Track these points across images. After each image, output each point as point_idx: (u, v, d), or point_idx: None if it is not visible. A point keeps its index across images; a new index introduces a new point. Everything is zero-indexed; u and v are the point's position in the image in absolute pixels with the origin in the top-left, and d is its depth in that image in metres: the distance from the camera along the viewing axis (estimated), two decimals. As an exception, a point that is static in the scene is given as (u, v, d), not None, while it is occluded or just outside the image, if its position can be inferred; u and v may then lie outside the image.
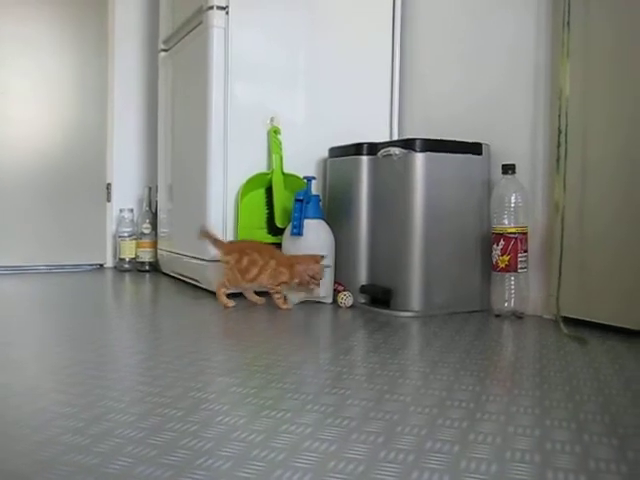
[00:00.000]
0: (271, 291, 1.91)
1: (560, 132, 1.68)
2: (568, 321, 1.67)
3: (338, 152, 2.09)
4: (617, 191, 1.60)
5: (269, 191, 2.12)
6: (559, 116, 1.68)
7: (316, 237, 1.97)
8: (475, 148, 1.89)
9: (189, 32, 2.34)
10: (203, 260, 2.17)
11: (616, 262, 1.60)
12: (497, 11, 2.01)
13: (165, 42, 2.66)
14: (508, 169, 1.80)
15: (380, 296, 1.90)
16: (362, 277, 1.97)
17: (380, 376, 1.19)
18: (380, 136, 2.23)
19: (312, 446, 0.84)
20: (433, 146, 1.84)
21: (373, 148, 1.95)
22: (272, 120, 2.14)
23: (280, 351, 1.38)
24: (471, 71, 2.10)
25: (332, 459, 0.79)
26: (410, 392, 1.09)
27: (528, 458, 0.81)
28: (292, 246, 1.98)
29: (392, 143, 1.90)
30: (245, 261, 1.90)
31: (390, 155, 1.87)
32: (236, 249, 1.95)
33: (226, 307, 1.92)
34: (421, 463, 0.79)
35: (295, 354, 1.36)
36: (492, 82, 2.02)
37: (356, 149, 1.98)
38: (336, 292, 2.00)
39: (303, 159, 2.20)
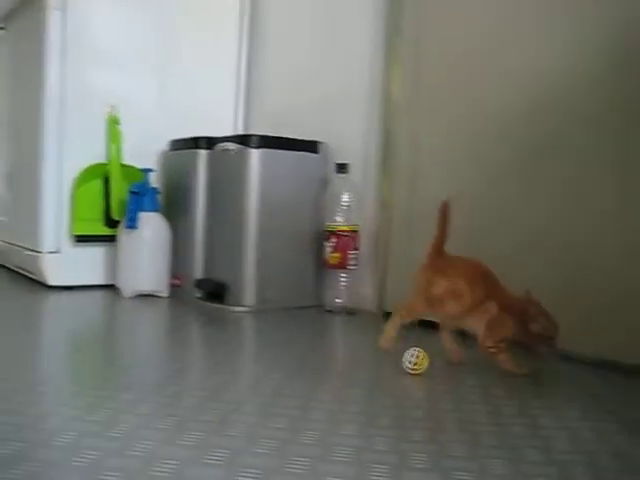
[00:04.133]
0: (488, 349, 1.24)
1: (389, 133, 1.73)
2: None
3: (178, 145, 2.06)
4: (444, 192, 1.66)
5: (107, 182, 2.06)
6: (388, 118, 1.73)
7: (151, 231, 1.94)
8: (312, 146, 1.92)
9: (26, 11, 2.23)
10: (37, 251, 2.08)
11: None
12: (340, 15, 2.04)
13: (2, 20, 2.53)
14: (341, 168, 1.84)
15: (214, 290, 1.89)
16: (198, 271, 1.95)
17: (196, 375, 1.18)
18: (227, 130, 2.21)
19: (115, 463, 0.81)
20: (269, 143, 1.85)
21: (211, 142, 1.94)
22: (112, 109, 2.08)
23: (102, 347, 1.35)
24: (314, 70, 2.12)
25: (137, 477, 0.76)
26: (210, 388, 1.09)
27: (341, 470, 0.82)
28: (127, 239, 1.94)
29: (229, 138, 1.89)
30: (441, 288, 1.27)
31: (227, 150, 1.86)
32: (435, 267, 1.30)
33: (385, 349, 1.33)
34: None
35: (122, 351, 1.33)
36: (333, 83, 2.05)
37: (194, 143, 1.96)
38: (173, 285, 1.98)
39: (147, 150, 2.15)
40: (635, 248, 1.29)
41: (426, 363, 1.21)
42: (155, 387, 1.09)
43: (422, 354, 1.21)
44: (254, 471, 0.77)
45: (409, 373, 1.20)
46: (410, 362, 1.21)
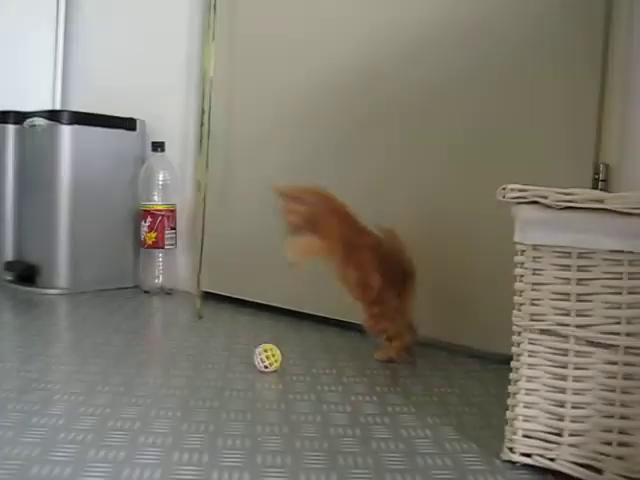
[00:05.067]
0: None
1: (204, 112, 1.72)
2: (214, 297, 1.74)
3: (-16, 119, 1.95)
4: (258, 172, 1.68)
5: None
6: (205, 96, 1.72)
7: (-46, 210, 1.84)
8: (129, 123, 1.88)
9: None
10: None
11: (251, 242, 1.69)
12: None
13: None
14: (157, 147, 1.82)
15: (25, 273, 1.82)
16: (8, 253, 1.86)
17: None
18: (44, 106, 2.11)
19: None
20: (82, 119, 1.79)
21: (20, 117, 1.85)
22: None
23: None
24: (134, 48, 2.06)
25: None
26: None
27: (112, 455, 0.82)
28: None
29: (38, 113, 1.81)
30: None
31: (34, 126, 1.79)
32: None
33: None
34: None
35: None
36: (152, 61, 2.00)
37: (2, 117, 1.86)
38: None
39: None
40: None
41: (278, 358, 1.15)
42: None
43: (273, 350, 1.15)
44: (16, 462, 0.75)
45: (263, 371, 1.13)
46: (262, 360, 1.14)
